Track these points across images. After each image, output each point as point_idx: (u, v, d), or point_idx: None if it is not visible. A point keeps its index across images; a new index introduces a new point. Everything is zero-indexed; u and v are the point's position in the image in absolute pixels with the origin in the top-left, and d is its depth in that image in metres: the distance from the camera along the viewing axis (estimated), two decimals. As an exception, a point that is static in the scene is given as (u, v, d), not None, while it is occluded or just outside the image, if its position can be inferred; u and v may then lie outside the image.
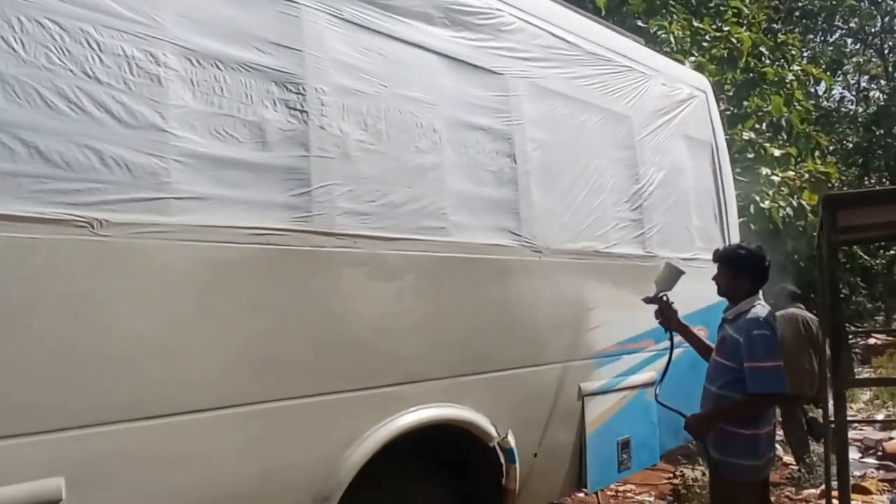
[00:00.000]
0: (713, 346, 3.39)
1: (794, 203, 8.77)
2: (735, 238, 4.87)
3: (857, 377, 10.72)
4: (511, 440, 3.01)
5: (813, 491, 5.47)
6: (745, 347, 2.97)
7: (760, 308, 3.07)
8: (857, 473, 6.02)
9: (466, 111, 3.06)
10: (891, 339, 14.86)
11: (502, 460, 3.01)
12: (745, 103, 9.44)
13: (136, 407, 1.93)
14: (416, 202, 2.77)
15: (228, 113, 2.21)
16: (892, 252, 16.72)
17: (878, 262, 17.00)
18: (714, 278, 3.31)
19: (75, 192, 1.86)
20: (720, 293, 3.30)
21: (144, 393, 1.95)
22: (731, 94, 9.59)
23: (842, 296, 14.18)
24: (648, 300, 3.51)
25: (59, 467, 1.79)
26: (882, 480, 5.79)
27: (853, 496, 5.21)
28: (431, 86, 2.91)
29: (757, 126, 9.35)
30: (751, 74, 9.47)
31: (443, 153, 2.91)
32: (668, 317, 3.48)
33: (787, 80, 9.72)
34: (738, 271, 3.16)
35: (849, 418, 7.66)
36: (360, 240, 2.53)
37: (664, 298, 3.49)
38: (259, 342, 2.22)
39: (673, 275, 3.46)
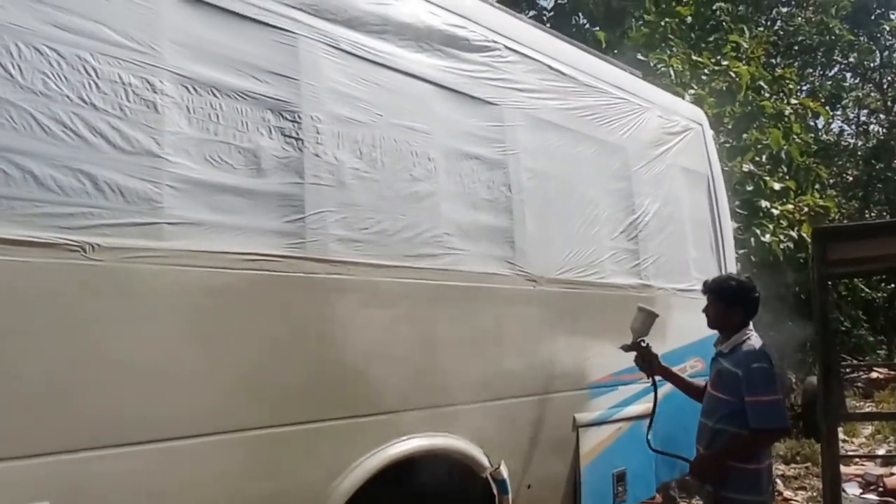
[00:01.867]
0: (700, 382, 3.35)
1: (795, 236, 8.78)
2: (732, 269, 4.86)
3: (858, 411, 10.62)
4: (504, 471, 2.98)
5: (813, 527, 5.39)
6: (745, 381, 2.92)
7: (756, 339, 3.05)
8: (859, 510, 5.94)
9: (461, 140, 3.09)
10: (893, 373, 14.74)
11: (495, 491, 2.98)
12: (745, 136, 9.50)
13: (124, 432, 1.93)
14: (411, 230, 2.78)
15: (224, 140, 2.24)
16: (893, 285, 16.68)
17: (879, 295, 16.93)
18: (704, 310, 3.27)
19: (68, 217, 1.88)
20: (710, 325, 3.25)
21: (133, 418, 1.95)
22: (730, 126, 9.66)
23: (843, 328, 14.11)
24: (627, 348, 3.40)
25: (45, 492, 1.78)
26: (884, 517, 5.70)
27: (855, 532, 5.15)
28: (427, 115, 2.94)
29: (756, 159, 9.39)
30: (749, 108, 9.55)
31: (437, 182, 2.93)
32: (648, 362, 3.38)
33: (785, 114, 9.79)
34: (731, 302, 3.13)
35: (849, 453, 7.59)
36: (353, 267, 2.54)
37: (643, 344, 3.39)
38: (249, 368, 2.21)
39: (648, 319, 3.37)
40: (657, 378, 3.45)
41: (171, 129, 2.11)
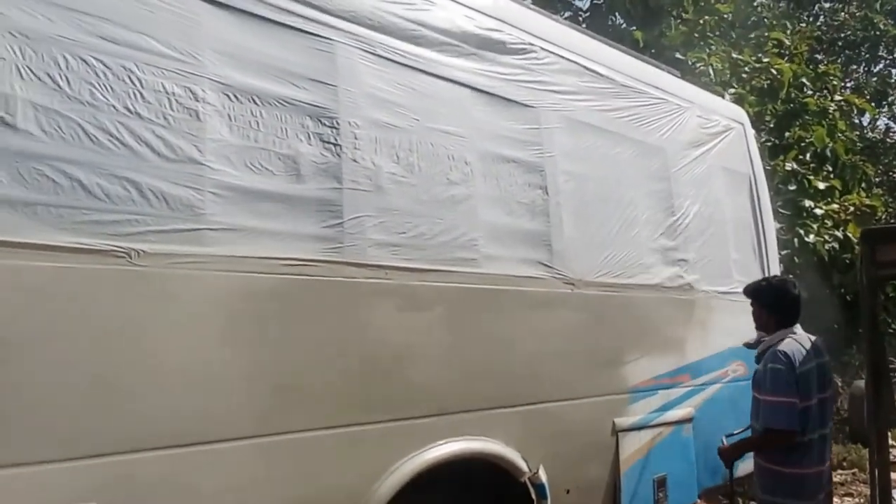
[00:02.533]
0: None
1: (840, 236, 8.56)
2: (774, 271, 4.76)
3: (909, 417, 10.29)
4: (542, 475, 2.96)
5: (862, 536, 5.24)
6: (762, 381, 2.97)
7: (789, 342, 3.00)
8: (910, 518, 5.75)
9: (498, 144, 3.08)
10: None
11: (533, 496, 2.96)
12: (787, 134, 9.30)
13: (167, 435, 1.96)
14: (448, 234, 2.78)
15: (264, 146, 2.27)
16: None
17: (929, 297, 16.39)
18: (752, 313, 3.26)
19: (114, 224, 1.92)
20: (756, 328, 3.25)
21: (175, 421, 1.99)
22: (772, 125, 9.46)
23: (891, 331, 13.69)
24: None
25: (90, 493, 1.82)
26: (937, 526, 5.51)
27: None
28: (463, 119, 2.94)
29: (800, 157, 9.19)
30: (792, 105, 9.34)
31: (474, 185, 2.93)
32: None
33: (829, 111, 9.55)
34: (762, 304, 3.13)
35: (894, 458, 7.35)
36: (391, 271, 2.55)
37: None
38: (289, 372, 2.24)
39: None
40: None
41: (212, 137, 2.14)
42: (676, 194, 4.06)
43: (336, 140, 2.45)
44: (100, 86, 1.95)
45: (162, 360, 1.98)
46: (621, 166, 3.75)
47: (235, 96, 2.22)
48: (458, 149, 2.89)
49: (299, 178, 2.34)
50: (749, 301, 3.25)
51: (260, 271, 2.18)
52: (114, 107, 1.97)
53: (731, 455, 3.22)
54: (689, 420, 3.84)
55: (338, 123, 2.47)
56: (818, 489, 2.97)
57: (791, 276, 3.27)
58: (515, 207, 3.11)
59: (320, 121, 2.43)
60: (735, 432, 3.44)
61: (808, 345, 3.00)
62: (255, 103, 2.27)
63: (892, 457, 7.27)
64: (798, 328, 3.11)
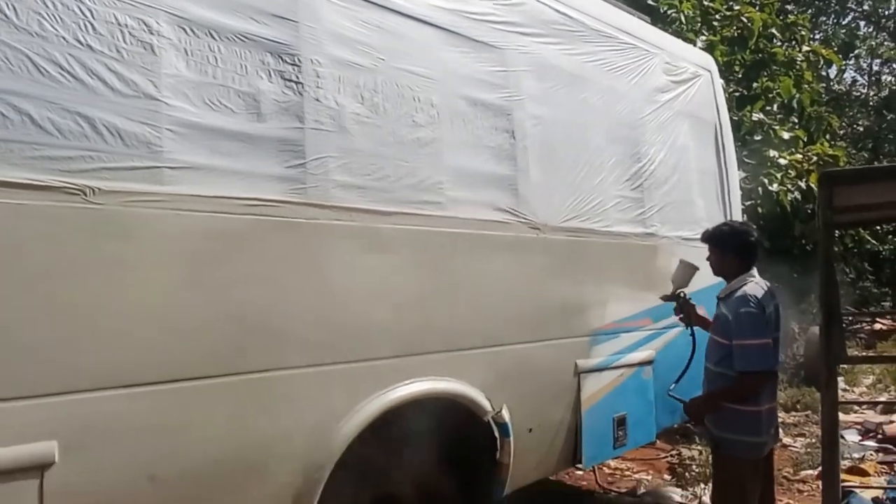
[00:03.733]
0: None
1: (803, 186, 8.72)
2: (737, 218, 4.84)
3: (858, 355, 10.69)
4: (506, 415, 3.03)
5: (811, 472, 5.49)
6: (734, 325, 2.98)
7: (752, 286, 3.06)
8: (857, 456, 6.03)
9: (465, 86, 3.05)
10: (895, 324, 14.80)
11: (497, 434, 3.03)
12: (755, 85, 9.35)
13: (127, 374, 1.95)
14: (413, 176, 2.77)
15: (223, 83, 2.21)
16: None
17: (886, 247, 16.88)
18: (707, 258, 3.31)
19: (67, 160, 1.87)
20: (714, 273, 3.29)
21: (136, 360, 1.97)
22: (740, 75, 9.50)
23: (848, 280, 14.13)
24: (666, 298, 3.53)
25: (52, 431, 1.82)
26: (881, 463, 5.79)
27: (852, 477, 5.25)
28: (430, 59, 2.89)
29: (767, 108, 9.26)
30: (761, 55, 9.37)
31: (440, 128, 2.90)
32: (687, 313, 3.50)
33: (797, 61, 9.61)
34: (724, 249, 3.17)
35: (847, 400, 7.68)
36: (355, 213, 2.53)
37: (682, 295, 3.50)
38: (252, 313, 2.23)
39: (688, 271, 3.49)
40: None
41: (168, 72, 2.08)
42: (643, 141, 4.08)
43: (298, 78, 2.40)
44: (49, 16, 1.87)
45: (121, 300, 1.95)
46: (589, 112, 3.74)
47: (192, 30, 2.15)
48: (424, 90, 2.85)
49: (260, 117, 2.29)
50: (707, 247, 3.30)
51: (221, 211, 2.15)
52: (64, 38, 1.89)
53: (703, 410, 3.16)
54: (649, 362, 3.94)
55: (299, 61, 2.41)
56: (770, 425, 3.09)
57: (753, 225, 3.32)
58: (482, 151, 3.10)
59: (281, 58, 2.37)
60: (671, 387, 3.47)
61: (765, 288, 3.08)
62: (213, 38, 2.20)
63: (842, 398, 7.58)
64: (755, 272, 3.18)
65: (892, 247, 16.82)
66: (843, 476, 5.22)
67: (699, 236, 3.60)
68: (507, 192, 3.19)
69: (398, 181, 2.71)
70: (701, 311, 3.54)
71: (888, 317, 15.63)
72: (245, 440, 2.21)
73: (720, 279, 3.31)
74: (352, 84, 2.58)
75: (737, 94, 8.93)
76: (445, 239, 2.88)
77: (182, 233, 2.08)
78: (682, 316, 3.53)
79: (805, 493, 5.11)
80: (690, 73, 4.61)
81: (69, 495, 1.84)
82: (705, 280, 4.02)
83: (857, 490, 4.77)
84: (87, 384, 1.88)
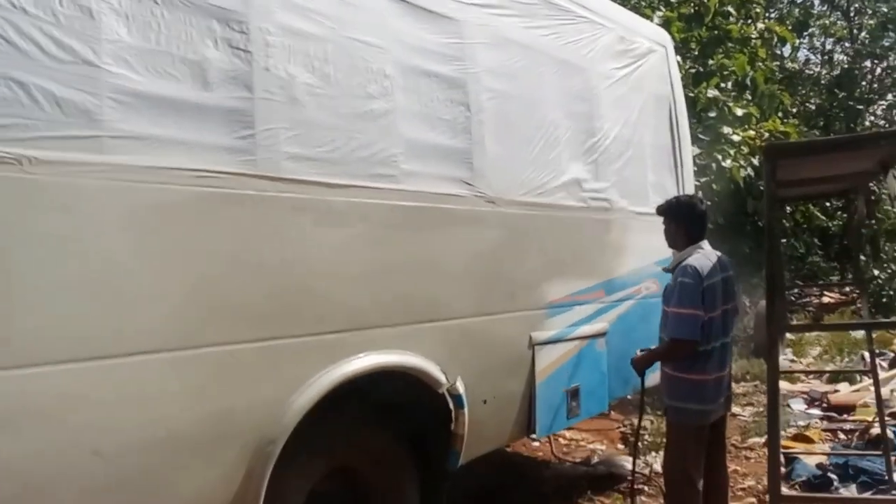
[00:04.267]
0: None
1: (756, 163, 8.89)
2: (690, 192, 4.92)
3: (806, 334, 11.06)
4: (460, 387, 3.06)
5: (758, 439, 5.68)
6: (671, 294, 3.10)
7: (697, 256, 3.14)
8: (802, 423, 6.26)
9: (419, 57, 3.02)
10: (842, 297, 15.32)
11: (451, 406, 3.06)
12: (711, 62, 9.47)
13: (68, 349, 1.91)
14: (366, 149, 2.74)
15: (167, 50, 2.15)
16: (847, 213, 17.07)
17: (835, 223, 17.38)
18: (664, 231, 3.39)
19: (2, 128, 1.80)
20: (668, 245, 3.40)
21: (77, 336, 1.92)
22: (696, 52, 9.60)
23: (798, 255, 14.54)
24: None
25: (-5, 407, 1.77)
26: (825, 430, 6.02)
27: (797, 444, 5.44)
28: (383, 29, 2.85)
29: (722, 85, 9.39)
30: (716, 32, 9.48)
31: (394, 100, 2.87)
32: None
33: (751, 38, 9.75)
34: (674, 219, 3.26)
35: (791, 369, 7.94)
36: (307, 185, 2.50)
37: None
38: (198, 286, 2.19)
39: None
40: None
41: (108, 38, 2.01)
42: (597, 115, 4.10)
43: (246, 47, 2.34)
44: (-22, -23, 1.79)
45: (60, 274, 1.89)
46: (544, 85, 3.74)
47: (133, -6, 2.08)
48: (378, 61, 2.82)
49: (207, 86, 2.23)
50: (662, 220, 3.38)
51: (166, 182, 2.10)
52: (-5, 0, 1.81)
53: (641, 364, 3.38)
54: (602, 334, 4.01)
55: (248, 29, 2.35)
56: (719, 393, 3.18)
57: (703, 198, 3.40)
58: (436, 124, 3.08)
59: (229, 25, 2.31)
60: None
61: (714, 259, 3.16)
62: (156, 3, 2.13)
63: (788, 368, 7.81)
64: (706, 244, 3.25)
65: (840, 222, 17.31)
66: (788, 443, 5.43)
67: (653, 210, 3.68)
68: (461, 165, 3.18)
69: (351, 154, 2.68)
70: None
71: (835, 290, 16.16)
72: (195, 415, 2.18)
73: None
74: (302, 53, 2.53)
75: (693, 70, 9.03)
76: (399, 212, 2.87)
77: (126, 204, 2.02)
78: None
79: (752, 460, 5.29)
80: (646, 48, 4.64)
81: (6, 472, 1.80)
82: (656, 254, 4.13)
83: (802, 456, 4.96)
84: (24, 360, 1.82)
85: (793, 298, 15.04)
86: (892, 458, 4.53)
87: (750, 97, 9.81)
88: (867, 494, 4.29)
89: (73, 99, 1.93)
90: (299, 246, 2.49)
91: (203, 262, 2.21)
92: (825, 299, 15.80)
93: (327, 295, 2.58)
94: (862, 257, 13.92)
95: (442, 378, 3.00)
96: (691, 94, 8.22)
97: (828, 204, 16.03)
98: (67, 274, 1.91)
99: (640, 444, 4.91)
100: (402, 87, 2.91)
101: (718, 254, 3.21)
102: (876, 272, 14.43)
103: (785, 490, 3.80)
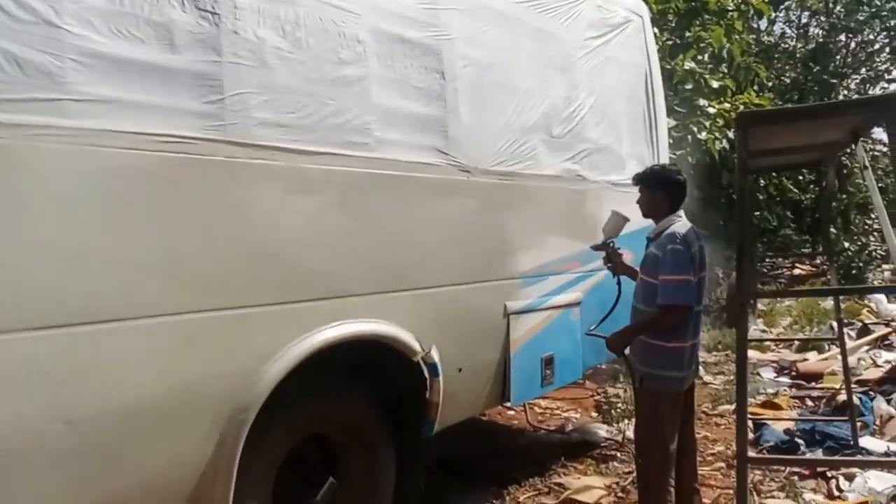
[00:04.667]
0: None
1: (731, 136, 8.93)
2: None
3: (777, 301, 11.26)
4: (435, 355, 3.07)
5: (728, 407, 5.79)
6: (661, 262, 3.07)
7: (680, 225, 3.16)
8: (771, 391, 6.40)
9: (393, 23, 2.97)
10: (813, 269, 15.60)
11: (426, 374, 3.07)
12: (687, 34, 9.45)
13: (35, 317, 1.87)
14: (339, 116, 2.70)
15: (131, 11, 2.09)
16: (819, 187, 17.32)
17: (807, 196, 17.62)
18: (637, 201, 3.38)
19: (-41, 89, 1.74)
20: (644, 214, 3.37)
21: (43, 303, 1.89)
22: (673, 24, 9.58)
23: (770, 227, 14.74)
24: (596, 247, 3.62)
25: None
26: (793, 397, 6.16)
27: (766, 411, 5.56)
28: (355, -7, 2.80)
29: (699, 57, 9.39)
30: (693, 4, 9.45)
31: (367, 66, 2.83)
32: (615, 262, 3.59)
33: (728, 11, 9.75)
34: (654, 188, 3.24)
35: (761, 338, 8.09)
36: (277, 152, 2.47)
37: (611, 245, 3.58)
38: (168, 254, 2.16)
39: (619, 222, 3.56)
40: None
41: (70, -3, 1.95)
42: (573, 84, 4.09)
43: (214, 8, 2.28)
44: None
45: (22, 240, 1.85)
46: (520, 53, 3.71)
47: (95, -48, 2.01)
48: (350, 26, 2.77)
49: (174, 49, 2.18)
50: (638, 189, 3.36)
51: (132, 147, 2.05)
52: (-51, -44, 1.74)
53: (622, 343, 3.27)
54: (577, 304, 4.04)
55: (215, -10, 2.30)
56: (693, 360, 3.22)
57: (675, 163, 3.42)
58: (411, 91, 3.05)
59: (195, -14, 2.25)
60: (592, 328, 3.61)
61: (690, 227, 3.18)
62: (119, -38, 2.06)
63: (759, 336, 7.94)
64: (682, 213, 3.28)
65: (812, 196, 17.55)
66: (757, 410, 5.55)
67: (627, 181, 3.68)
68: (436, 133, 3.16)
69: (323, 120, 2.64)
70: (627, 258, 3.65)
71: (806, 262, 16.44)
72: (164, 383, 2.16)
73: (647, 223, 3.40)
74: (272, 17, 2.48)
75: (669, 42, 9.01)
76: (373, 180, 2.84)
77: (90, 169, 1.98)
78: (610, 265, 3.62)
79: (722, 427, 5.40)
80: (622, 17, 4.62)
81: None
82: (632, 225, 4.13)
83: (770, 422, 5.08)
84: (-6, 326, 1.80)
85: (765, 270, 15.30)
86: (858, 424, 4.67)
87: (726, 70, 9.83)
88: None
89: (35, 60, 1.87)
90: (270, 214, 2.46)
91: (170, 229, 2.17)
92: (796, 271, 16.09)
93: (300, 264, 2.56)
94: (833, 230, 14.18)
95: (416, 346, 3.00)
96: (668, 66, 8.21)
97: (800, 177, 16.24)
98: (29, 240, 1.86)
99: (612, 411, 5.01)
100: (375, 53, 2.87)
101: (691, 225, 3.23)
102: (846, 244, 14.66)
103: (752, 454, 3.89)
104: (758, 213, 13.08)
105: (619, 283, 3.60)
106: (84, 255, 1.97)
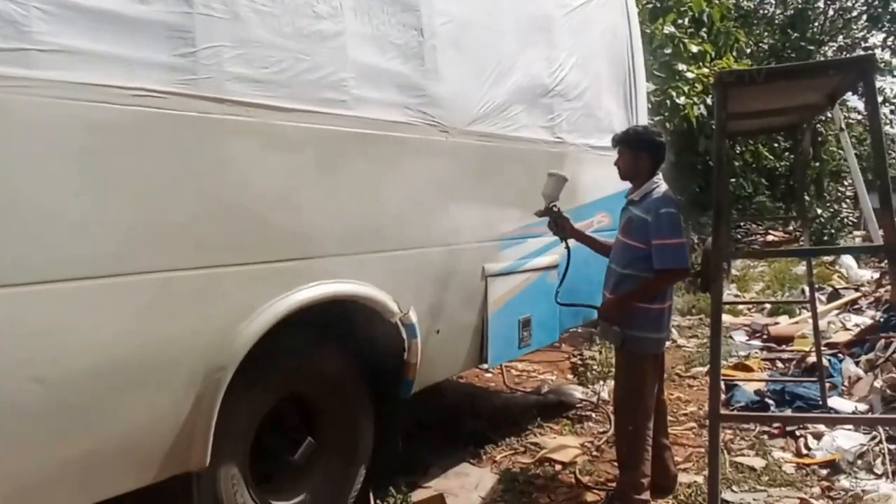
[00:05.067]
0: (609, 240, 3.47)
1: (709, 102, 8.94)
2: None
3: (750, 267, 11.43)
4: (413, 316, 3.07)
5: (701, 369, 5.90)
6: (654, 226, 3.04)
7: (666, 187, 3.16)
8: (743, 353, 6.52)
9: (370, -23, 2.90)
10: (786, 235, 15.84)
11: (404, 335, 3.07)
12: (668, -3, 9.39)
13: (5, 273, 1.83)
14: (315, 72, 2.65)
15: (99, -42, 2.01)
16: (794, 155, 17.49)
17: (782, 164, 17.80)
18: (615, 163, 3.36)
19: (-84, 36, 1.67)
20: (622, 177, 3.35)
21: (11, 259, 1.84)
22: (654, -14, 9.50)
23: (745, 194, 14.89)
24: (540, 213, 3.49)
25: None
26: (764, 360, 6.29)
27: (737, 373, 5.67)
28: (331, -54, 2.72)
29: (679, 21, 9.34)
30: (674, -33, 9.37)
31: (343, 21, 2.77)
32: (561, 226, 3.49)
33: (708, -26, 9.69)
34: (636, 149, 3.22)
35: (733, 300, 8.22)
36: (252, 108, 2.41)
37: (555, 209, 3.46)
38: (139, 211, 2.11)
39: (559, 183, 3.43)
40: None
41: (33, -58, 1.86)
42: (553, 45, 4.05)
43: (185, -43, 2.20)
44: None
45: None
46: (500, 13, 3.66)
47: None
48: (326, -21, 2.69)
49: (144, -1, 2.10)
50: (617, 151, 3.34)
51: (100, 101, 1.99)
52: None
53: (617, 311, 3.20)
54: (554, 266, 4.05)
55: (186, -62, 2.21)
56: (669, 321, 3.27)
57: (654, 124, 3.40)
58: (389, 48, 2.99)
59: (165, -67, 2.16)
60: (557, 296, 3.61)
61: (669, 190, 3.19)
62: None
63: (733, 300, 8.05)
64: (661, 176, 3.27)
65: (787, 163, 17.73)
66: (729, 371, 5.66)
67: (607, 144, 3.66)
68: (414, 92, 3.11)
69: (299, 76, 2.58)
70: (603, 222, 3.65)
71: (780, 229, 16.69)
72: (138, 341, 2.13)
73: (625, 186, 3.38)
74: (245, -33, 2.40)
75: (650, 6, 8.94)
76: (350, 139, 2.80)
77: (57, 123, 1.91)
78: (555, 229, 3.51)
79: (695, 388, 5.50)
80: (603, -22, 4.56)
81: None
82: (609, 188, 4.14)
83: (741, 384, 5.18)
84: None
85: (738, 237, 15.49)
86: (827, 385, 4.78)
87: (706, 34, 9.80)
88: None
89: (-3, 8, 1.80)
90: (245, 172, 2.41)
91: (141, 186, 2.12)
92: (769, 237, 16.33)
93: (275, 223, 2.52)
94: (806, 197, 14.37)
95: (394, 307, 3.00)
96: (647, 30, 8.16)
97: (776, 144, 16.38)
98: (-3, 195, 1.81)
99: (588, 374, 5.07)
100: (352, 8, 2.80)
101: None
102: (819, 211, 14.88)
103: (724, 412, 3.97)
104: (733, 179, 13.19)
105: (567, 248, 3.52)
106: (53, 212, 1.92)
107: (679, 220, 3.06)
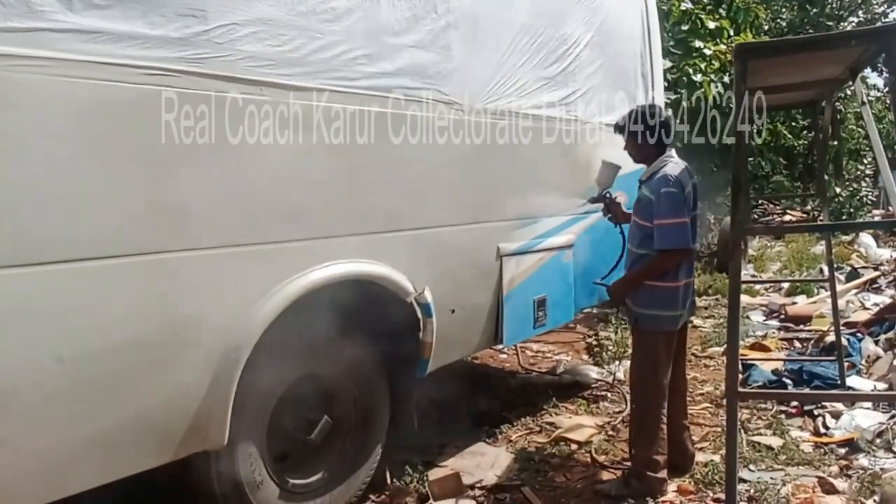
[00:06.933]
0: None
1: (726, 79, 8.82)
2: (660, 105, 4.87)
3: (767, 247, 11.33)
4: (428, 295, 3.06)
5: (717, 349, 5.86)
6: (655, 206, 3.05)
7: (673, 166, 3.12)
8: (760, 333, 6.47)
9: (384, -46, 2.86)
10: (804, 215, 15.65)
11: (419, 315, 3.07)
12: (685, -28, 9.24)
13: (25, 253, 1.84)
14: (328, 50, 2.62)
15: (110, -64, 1.99)
16: (813, 133, 17.25)
17: (800, 143, 17.55)
18: (625, 149, 3.35)
19: (-70, 16, 1.67)
20: (634, 160, 3.35)
21: (30, 240, 1.85)
22: (671, -38, 9.35)
23: (763, 174, 14.72)
24: (594, 200, 3.67)
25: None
26: (781, 339, 6.24)
27: (755, 353, 5.63)
28: (344, -78, 2.68)
29: (696, -4, 9.22)
30: (692, -58, 9.22)
31: (357, -2, 2.73)
32: (614, 212, 3.62)
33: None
34: (635, 133, 3.22)
35: (750, 279, 8.15)
36: (266, 87, 2.39)
37: (608, 196, 3.61)
38: (154, 191, 2.11)
39: (612, 171, 3.59)
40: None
41: (43, -81, 1.85)
42: (569, 21, 3.98)
43: (196, -66, 2.18)
44: None
45: (5, 176, 1.80)
46: (515, -12, 3.61)
47: None
48: (339, -43, 2.66)
49: (155, -24, 2.08)
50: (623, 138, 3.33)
51: (113, 80, 1.98)
52: None
53: (623, 292, 3.26)
54: (569, 246, 4.03)
55: (197, -85, 2.19)
56: (686, 299, 3.24)
57: (659, 106, 3.36)
58: (402, 27, 2.96)
59: None
60: (601, 279, 3.64)
61: (683, 167, 3.15)
62: None
63: (749, 280, 7.98)
64: (674, 152, 3.24)
65: (805, 142, 17.49)
66: (746, 351, 5.62)
67: (622, 122, 3.61)
68: (429, 70, 3.08)
69: (312, 55, 2.56)
70: (622, 201, 3.64)
71: (797, 209, 16.50)
72: (157, 320, 2.15)
73: (642, 166, 3.35)
74: (256, -56, 2.37)
75: (667, -19, 8.82)
76: (365, 117, 2.78)
77: (70, 102, 1.91)
78: (609, 216, 3.66)
79: (711, 368, 5.47)
80: (619, -48, 4.48)
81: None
82: (624, 168, 4.09)
83: (758, 364, 5.14)
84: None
85: (756, 216, 15.33)
86: (845, 364, 4.73)
87: (724, 11, 9.65)
88: (819, 397, 4.49)
89: (9, -13, 1.79)
90: (260, 151, 2.40)
91: (157, 165, 2.12)
92: (787, 217, 16.15)
93: (290, 202, 2.52)
94: (825, 175, 14.19)
95: (410, 287, 2.99)
96: (664, 7, 8.04)
97: (794, 123, 16.15)
98: (11, 176, 1.81)
99: (603, 354, 5.06)
100: (365, -15, 2.77)
101: (685, 163, 3.20)
102: (837, 189, 14.69)
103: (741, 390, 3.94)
104: (751, 158, 13.04)
105: (622, 233, 3.61)
106: (72, 192, 1.92)
107: (678, 199, 3.03)
